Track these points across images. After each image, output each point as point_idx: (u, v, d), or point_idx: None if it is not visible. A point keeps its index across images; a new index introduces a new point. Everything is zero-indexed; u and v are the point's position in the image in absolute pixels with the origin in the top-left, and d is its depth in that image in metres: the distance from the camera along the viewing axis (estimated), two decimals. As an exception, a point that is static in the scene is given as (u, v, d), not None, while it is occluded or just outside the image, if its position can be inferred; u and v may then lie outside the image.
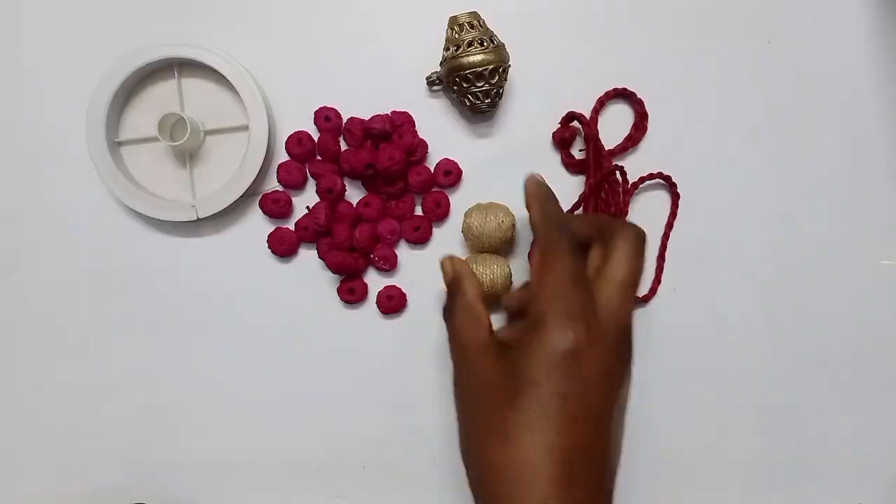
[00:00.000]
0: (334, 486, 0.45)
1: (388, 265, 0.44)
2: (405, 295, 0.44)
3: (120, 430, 0.45)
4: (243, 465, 0.45)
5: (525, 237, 0.44)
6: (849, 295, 0.44)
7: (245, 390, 0.45)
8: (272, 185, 0.44)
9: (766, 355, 0.44)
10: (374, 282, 0.45)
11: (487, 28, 0.41)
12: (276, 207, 0.43)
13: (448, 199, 0.44)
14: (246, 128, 0.43)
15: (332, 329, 0.45)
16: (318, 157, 0.44)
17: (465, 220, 0.42)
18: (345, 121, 0.43)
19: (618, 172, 0.43)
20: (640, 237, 0.34)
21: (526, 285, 0.40)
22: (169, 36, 0.43)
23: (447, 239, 0.45)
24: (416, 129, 0.44)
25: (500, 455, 0.30)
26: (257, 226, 0.45)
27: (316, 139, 0.44)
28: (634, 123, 0.44)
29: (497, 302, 0.42)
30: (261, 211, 0.44)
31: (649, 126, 0.44)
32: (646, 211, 0.44)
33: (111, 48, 0.43)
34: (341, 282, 0.44)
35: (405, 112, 0.43)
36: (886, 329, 0.44)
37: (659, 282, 0.44)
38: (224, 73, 0.42)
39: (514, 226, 0.42)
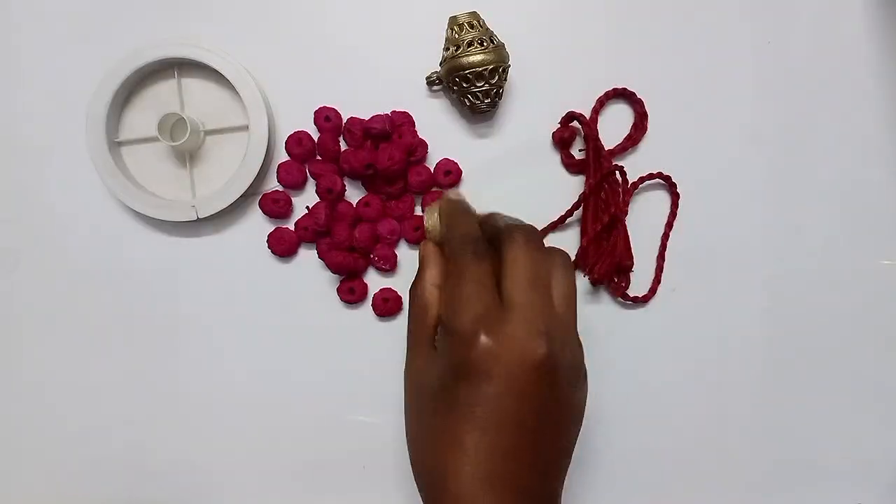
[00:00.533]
0: (334, 486, 0.45)
1: (388, 265, 0.44)
2: (401, 298, 0.44)
3: (119, 429, 0.45)
4: (243, 465, 0.45)
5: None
6: (849, 295, 0.44)
7: (244, 390, 0.45)
8: (272, 185, 0.44)
9: (766, 355, 0.44)
10: (373, 282, 0.45)
11: (487, 28, 0.41)
12: (275, 207, 0.43)
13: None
14: (246, 128, 0.43)
15: (332, 329, 0.45)
16: (318, 157, 0.44)
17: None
18: (345, 121, 0.43)
19: (617, 172, 0.43)
20: (528, 236, 0.33)
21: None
22: (169, 36, 0.43)
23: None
24: (416, 129, 0.44)
25: (430, 450, 0.31)
26: (257, 226, 0.44)
27: (316, 139, 0.44)
28: (634, 123, 0.44)
29: None
30: (261, 211, 0.44)
31: (649, 126, 0.44)
32: (646, 211, 0.44)
33: (111, 48, 0.43)
34: (341, 282, 0.44)
35: (405, 112, 0.43)
36: (886, 329, 0.44)
37: (659, 282, 0.44)
38: (224, 73, 0.42)
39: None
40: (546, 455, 0.31)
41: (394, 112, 0.43)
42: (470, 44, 0.40)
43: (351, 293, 0.44)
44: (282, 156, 0.44)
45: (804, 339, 0.44)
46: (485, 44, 0.40)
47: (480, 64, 0.40)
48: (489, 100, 0.41)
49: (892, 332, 0.44)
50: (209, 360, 0.45)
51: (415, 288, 0.35)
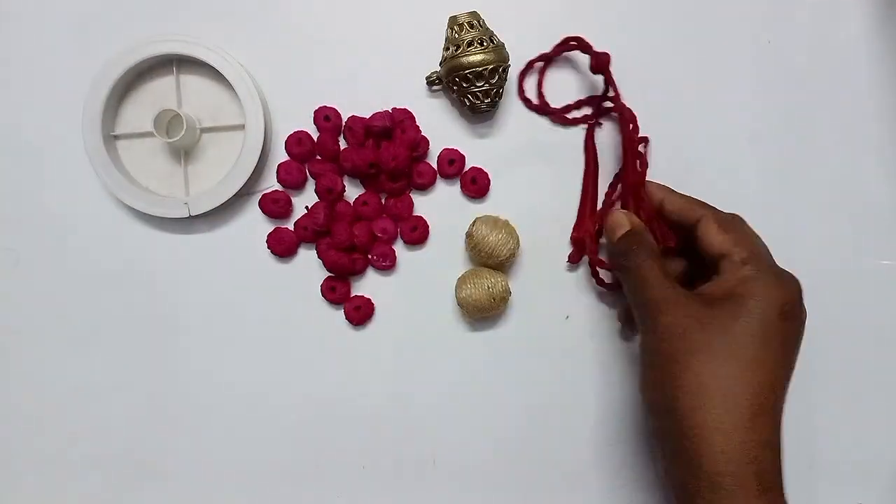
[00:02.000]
0: (334, 486, 0.44)
1: (388, 262, 0.43)
2: (372, 304, 0.44)
3: (113, 428, 0.45)
4: (242, 465, 0.45)
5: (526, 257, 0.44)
6: (849, 295, 0.44)
7: (243, 390, 0.44)
8: (267, 184, 0.44)
9: (766, 355, 0.44)
10: (365, 283, 0.44)
11: (487, 28, 0.41)
12: (275, 207, 0.43)
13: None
14: (242, 127, 0.42)
15: (331, 328, 0.44)
16: (318, 157, 0.44)
17: (472, 232, 0.41)
18: (345, 120, 0.43)
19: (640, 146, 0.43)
20: (739, 219, 0.38)
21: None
22: (168, 32, 0.43)
23: (446, 239, 0.44)
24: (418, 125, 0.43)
25: (729, 396, 0.32)
26: (252, 224, 0.44)
27: (315, 139, 0.43)
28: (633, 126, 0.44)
29: (488, 316, 0.43)
30: (258, 210, 0.44)
31: (649, 126, 0.44)
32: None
33: (111, 43, 0.43)
34: (325, 279, 0.44)
35: (405, 109, 0.43)
36: (886, 329, 0.44)
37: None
38: (222, 72, 0.42)
39: (517, 245, 0.42)
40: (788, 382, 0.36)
41: (395, 109, 0.43)
42: (470, 44, 0.40)
43: (332, 291, 0.43)
44: (278, 155, 0.44)
45: (804, 338, 0.44)
46: (485, 44, 0.40)
47: (480, 64, 0.40)
48: (489, 99, 0.41)
49: (892, 332, 0.44)
50: (206, 359, 0.44)
51: (644, 255, 0.37)
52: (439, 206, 0.44)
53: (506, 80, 0.42)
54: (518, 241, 0.42)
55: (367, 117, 0.42)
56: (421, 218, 0.44)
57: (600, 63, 0.43)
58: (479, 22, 0.41)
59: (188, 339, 0.44)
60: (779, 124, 0.44)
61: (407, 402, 0.44)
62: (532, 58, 0.43)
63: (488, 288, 0.41)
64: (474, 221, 0.41)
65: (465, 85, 0.40)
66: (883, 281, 0.44)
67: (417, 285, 0.44)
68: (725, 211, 0.38)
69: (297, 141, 0.43)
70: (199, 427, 0.45)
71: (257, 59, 0.44)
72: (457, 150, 0.43)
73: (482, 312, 0.41)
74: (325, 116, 0.43)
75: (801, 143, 0.44)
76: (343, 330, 0.44)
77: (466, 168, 0.44)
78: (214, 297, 0.44)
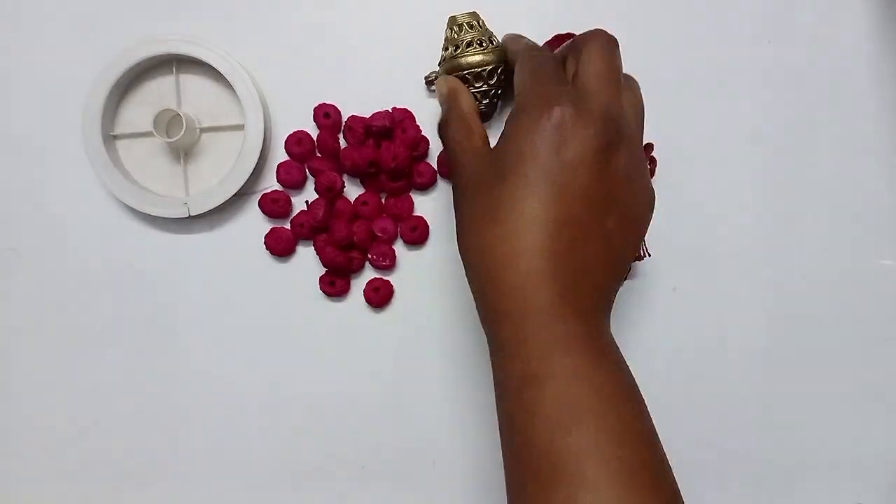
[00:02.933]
0: (334, 486, 0.44)
1: (388, 261, 0.43)
2: (391, 285, 0.44)
3: (113, 427, 0.45)
4: (241, 464, 0.45)
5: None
6: (849, 295, 0.44)
7: (243, 389, 0.44)
8: (266, 184, 0.44)
9: (766, 355, 0.44)
10: (363, 277, 0.44)
11: (487, 28, 0.41)
12: (275, 207, 0.43)
13: None
14: (242, 127, 0.42)
15: (330, 328, 0.44)
16: (318, 155, 0.44)
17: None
18: (345, 119, 0.43)
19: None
20: (609, 39, 0.34)
21: None
22: (167, 32, 0.43)
23: (446, 239, 0.44)
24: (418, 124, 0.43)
25: (490, 233, 0.31)
26: (252, 224, 0.44)
27: (315, 137, 0.43)
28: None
29: None
30: (258, 209, 0.44)
31: (648, 127, 0.44)
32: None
33: (111, 43, 0.42)
34: (323, 273, 0.44)
35: (405, 108, 0.43)
36: (886, 329, 0.44)
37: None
38: (222, 72, 0.41)
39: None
40: (607, 243, 0.32)
41: (395, 109, 0.43)
42: (469, 44, 0.40)
43: (331, 286, 0.43)
44: (279, 155, 0.44)
45: (804, 338, 0.44)
46: (484, 44, 0.40)
47: (479, 65, 0.39)
48: (488, 100, 0.41)
49: (892, 332, 0.44)
50: (204, 357, 0.44)
51: (456, 113, 0.36)
52: (439, 206, 0.44)
53: (505, 82, 0.42)
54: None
55: (368, 117, 0.42)
56: (421, 218, 0.44)
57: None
58: (478, 23, 0.41)
59: (187, 339, 0.44)
60: (779, 124, 0.44)
61: (406, 403, 0.44)
62: None
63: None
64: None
65: (464, 84, 0.40)
66: (883, 281, 0.44)
67: (417, 285, 0.44)
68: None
69: (296, 141, 0.43)
70: (198, 426, 0.45)
71: (257, 58, 0.43)
72: None
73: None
74: (324, 113, 0.43)
75: (801, 143, 0.44)
76: (342, 329, 0.44)
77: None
78: (214, 296, 0.44)
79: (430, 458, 0.44)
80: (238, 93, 0.42)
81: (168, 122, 0.42)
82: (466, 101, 0.37)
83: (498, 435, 0.44)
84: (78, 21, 0.44)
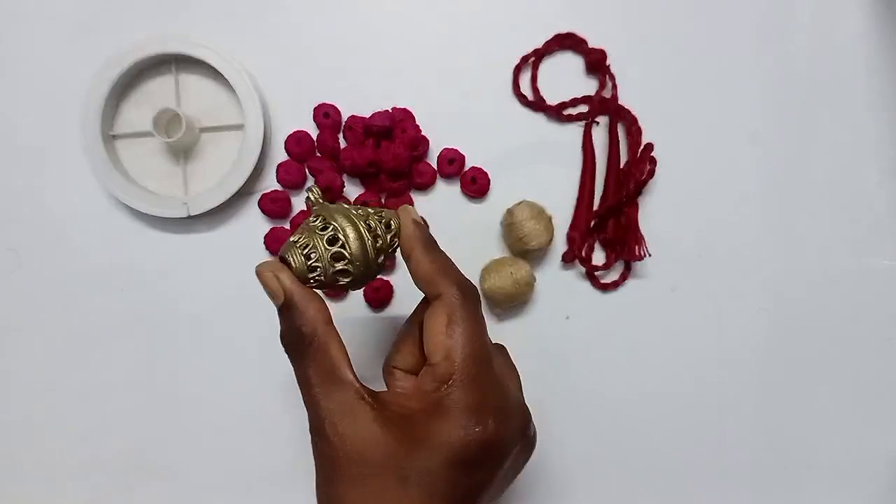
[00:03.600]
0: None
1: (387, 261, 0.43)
2: (391, 284, 0.44)
3: (113, 427, 0.44)
4: (241, 464, 0.45)
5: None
6: (849, 295, 0.44)
7: (242, 389, 0.44)
8: (266, 184, 0.44)
9: (765, 355, 0.44)
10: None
11: (326, 207, 0.33)
12: (274, 207, 0.43)
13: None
14: (241, 127, 0.42)
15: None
16: (318, 154, 0.44)
17: (513, 210, 0.42)
18: (345, 119, 0.43)
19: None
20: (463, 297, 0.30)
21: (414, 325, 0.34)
22: (168, 31, 0.43)
23: (446, 239, 0.44)
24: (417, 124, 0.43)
25: None
26: (252, 224, 0.44)
27: (315, 136, 0.43)
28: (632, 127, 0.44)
29: (514, 301, 0.42)
30: (257, 209, 0.44)
31: (648, 128, 0.44)
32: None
33: (110, 42, 0.43)
34: None
35: (405, 108, 0.43)
36: (886, 329, 0.44)
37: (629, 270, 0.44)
38: (222, 71, 0.41)
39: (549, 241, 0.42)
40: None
41: (395, 108, 0.43)
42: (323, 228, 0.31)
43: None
44: (278, 155, 0.44)
45: (804, 338, 0.44)
46: (324, 220, 0.31)
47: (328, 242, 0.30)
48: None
49: (891, 332, 0.44)
50: (203, 357, 0.44)
51: (308, 342, 0.29)
52: (439, 206, 0.44)
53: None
54: (552, 237, 0.42)
55: (367, 117, 0.42)
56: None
57: (594, 61, 0.43)
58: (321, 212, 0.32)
59: (187, 339, 0.44)
60: (779, 124, 0.44)
61: (407, 402, 0.44)
62: (526, 53, 0.43)
63: (511, 274, 0.41)
64: (520, 202, 0.42)
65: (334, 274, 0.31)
66: (883, 281, 0.44)
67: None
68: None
69: (296, 140, 0.43)
70: (198, 426, 0.45)
71: (258, 58, 0.44)
72: (456, 150, 0.43)
73: (510, 300, 0.42)
74: (324, 113, 0.43)
75: (801, 143, 0.44)
76: (342, 330, 0.44)
77: (466, 168, 0.44)
78: (214, 296, 0.44)
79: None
80: (238, 93, 0.42)
81: (167, 122, 0.42)
82: (319, 315, 0.29)
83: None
84: (77, 21, 0.44)
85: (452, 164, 0.43)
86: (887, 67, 0.44)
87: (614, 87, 0.44)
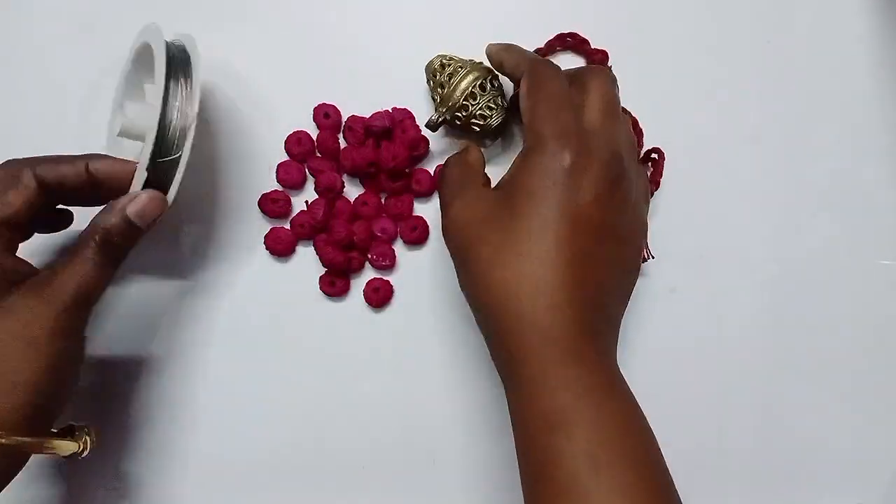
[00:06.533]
0: (334, 486, 0.44)
1: (387, 261, 0.43)
2: (391, 285, 0.44)
3: (113, 427, 0.45)
4: (240, 464, 0.45)
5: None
6: (849, 295, 0.44)
7: (241, 389, 0.44)
8: (272, 185, 0.44)
9: (765, 355, 0.44)
10: (363, 277, 0.44)
11: (459, 58, 0.41)
12: (275, 207, 0.43)
13: None
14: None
15: (330, 328, 0.44)
16: (318, 155, 0.44)
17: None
18: (345, 119, 0.43)
19: (654, 154, 0.42)
20: (611, 76, 0.35)
21: None
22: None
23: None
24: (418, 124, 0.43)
25: (503, 272, 0.31)
26: (252, 224, 0.44)
27: (315, 136, 0.43)
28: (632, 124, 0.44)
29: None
30: (257, 209, 0.44)
31: (648, 128, 0.44)
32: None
33: (115, 43, 0.42)
34: (323, 273, 0.44)
35: (405, 108, 0.43)
36: (886, 329, 0.44)
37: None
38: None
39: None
40: (616, 272, 0.33)
41: (395, 109, 0.43)
42: (451, 76, 0.40)
43: (332, 285, 0.43)
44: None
45: (804, 338, 0.44)
46: (463, 68, 0.40)
47: (470, 84, 0.40)
48: (496, 108, 0.40)
49: (891, 332, 0.44)
50: (203, 357, 0.44)
51: (459, 157, 0.37)
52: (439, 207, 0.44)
53: (501, 89, 0.41)
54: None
55: (367, 117, 0.43)
56: (421, 218, 0.44)
57: (596, 62, 0.43)
58: (450, 57, 0.41)
59: (186, 339, 0.44)
60: (779, 124, 0.44)
61: (405, 403, 0.44)
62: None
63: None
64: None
65: (467, 111, 0.40)
66: (883, 281, 0.44)
67: (417, 285, 0.44)
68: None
69: (296, 141, 0.43)
70: (196, 426, 0.45)
71: (258, 58, 0.44)
72: None
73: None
74: (324, 114, 0.43)
75: (801, 143, 0.44)
76: (342, 329, 0.44)
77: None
78: (213, 296, 0.44)
79: (430, 457, 0.44)
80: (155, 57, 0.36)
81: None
82: (474, 152, 0.37)
83: (498, 435, 0.44)
84: (78, 21, 0.44)
85: None
86: (888, 67, 0.44)
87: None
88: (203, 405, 0.45)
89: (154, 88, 0.35)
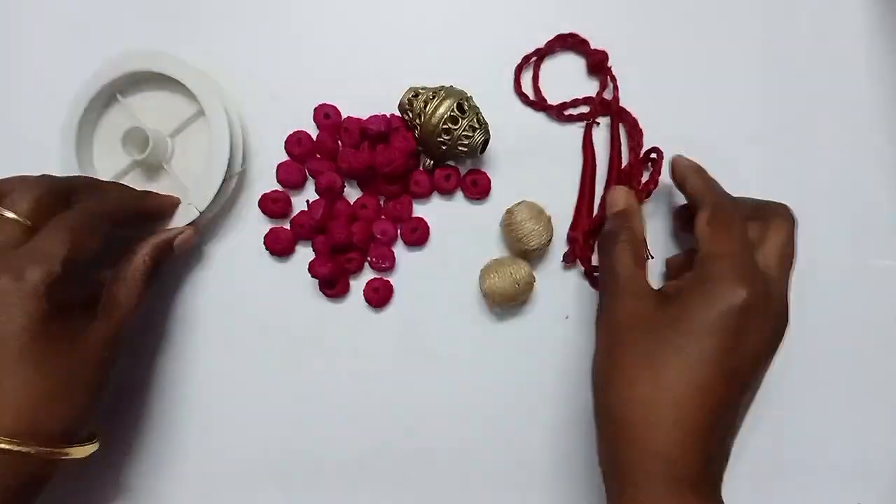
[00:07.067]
0: (333, 486, 0.44)
1: (387, 263, 0.43)
2: (390, 285, 0.44)
3: (112, 427, 0.45)
4: (240, 465, 0.45)
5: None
6: (849, 295, 0.44)
7: (241, 389, 0.44)
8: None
9: (765, 355, 0.44)
10: (360, 279, 0.44)
11: (430, 87, 0.41)
12: (275, 207, 0.43)
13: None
14: (201, 112, 0.42)
15: (330, 328, 0.44)
16: (318, 155, 0.44)
17: (513, 210, 0.42)
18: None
19: (654, 153, 0.42)
20: (793, 220, 0.35)
21: (687, 251, 0.41)
22: (163, 37, 0.43)
23: (447, 240, 0.44)
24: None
25: (649, 389, 0.31)
26: (252, 224, 0.44)
27: (315, 137, 0.43)
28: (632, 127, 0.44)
29: (514, 302, 0.42)
30: (258, 209, 0.44)
31: (648, 128, 0.44)
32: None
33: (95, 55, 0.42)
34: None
35: (400, 117, 0.43)
36: (886, 329, 0.44)
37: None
38: (158, 70, 0.41)
39: (549, 241, 0.42)
40: (744, 413, 0.33)
41: (392, 116, 0.43)
42: (426, 106, 0.40)
43: (331, 287, 0.43)
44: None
45: (804, 338, 0.44)
46: (436, 96, 0.40)
47: (448, 110, 0.40)
48: (479, 127, 0.41)
49: (891, 332, 0.44)
50: (202, 357, 0.45)
51: (628, 235, 0.35)
52: (440, 206, 0.44)
53: (477, 107, 0.42)
54: (552, 237, 0.42)
55: (365, 119, 0.42)
56: (421, 219, 0.44)
57: (596, 62, 0.43)
58: (421, 89, 0.41)
59: (187, 339, 0.45)
60: (779, 124, 0.44)
61: (405, 404, 0.44)
62: (528, 52, 0.43)
63: (511, 274, 0.41)
64: (520, 202, 0.42)
65: (449, 136, 0.40)
66: (883, 281, 0.44)
67: (417, 285, 0.44)
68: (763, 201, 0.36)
69: (296, 141, 0.43)
70: (196, 425, 0.45)
71: (259, 58, 0.44)
72: (453, 167, 0.43)
73: (510, 300, 0.42)
74: (324, 114, 0.43)
75: (801, 143, 0.44)
76: (342, 329, 0.44)
77: (465, 171, 0.44)
78: (213, 296, 0.44)
79: (430, 458, 0.44)
80: (180, 79, 0.41)
81: (137, 140, 0.41)
82: (640, 225, 0.37)
83: (498, 435, 0.44)
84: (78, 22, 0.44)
85: (449, 179, 0.43)
86: (888, 67, 0.44)
87: (615, 88, 0.44)
88: (203, 405, 0.45)
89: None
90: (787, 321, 0.33)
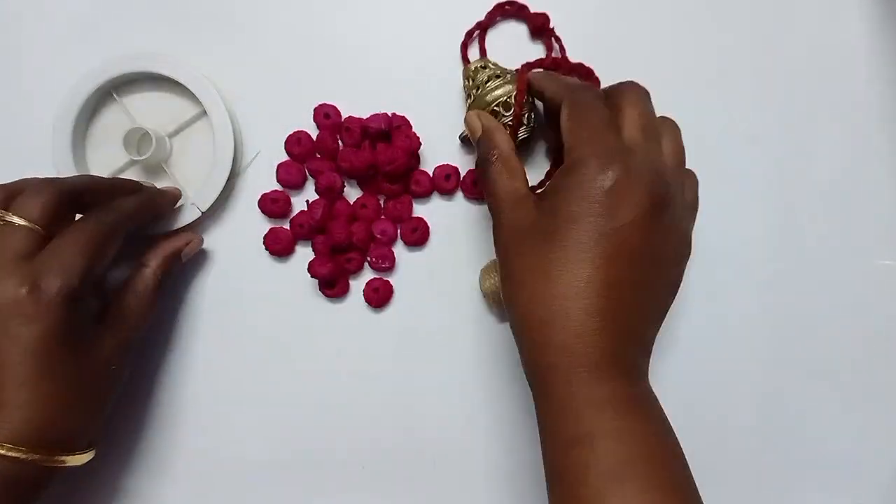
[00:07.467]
0: (334, 486, 0.44)
1: (387, 264, 0.43)
2: (390, 285, 0.44)
3: (112, 427, 0.45)
4: (240, 465, 0.45)
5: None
6: (849, 295, 0.44)
7: (241, 389, 0.45)
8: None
9: (765, 355, 0.44)
10: (359, 278, 0.45)
11: (498, 65, 0.41)
12: (274, 207, 0.43)
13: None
14: (203, 112, 0.42)
15: (330, 328, 0.44)
16: (318, 155, 0.44)
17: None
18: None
19: None
20: (643, 91, 0.35)
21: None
22: (163, 37, 0.43)
23: (447, 240, 0.44)
24: (414, 130, 0.43)
25: (540, 289, 0.31)
26: (252, 224, 0.44)
27: (315, 136, 0.43)
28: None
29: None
30: (257, 209, 0.44)
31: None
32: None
33: (86, 58, 0.42)
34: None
35: (403, 116, 0.43)
36: (886, 329, 0.44)
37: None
38: (160, 73, 0.41)
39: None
40: (652, 295, 0.33)
41: (394, 115, 0.43)
42: (487, 81, 0.40)
43: (330, 287, 0.43)
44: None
45: (804, 338, 0.44)
46: (501, 77, 0.40)
47: (504, 94, 0.39)
48: (526, 124, 0.40)
49: (891, 332, 0.44)
50: (202, 357, 0.45)
51: (495, 154, 0.35)
52: (440, 206, 0.44)
53: (534, 107, 0.41)
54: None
55: (366, 118, 0.42)
56: (421, 219, 0.44)
57: (538, 25, 0.42)
58: (490, 63, 0.41)
59: (187, 339, 0.45)
60: (779, 124, 0.44)
61: (405, 403, 0.44)
62: (469, 28, 0.43)
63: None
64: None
65: (496, 118, 0.39)
66: (883, 281, 0.44)
67: (417, 285, 0.44)
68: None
69: (296, 141, 0.43)
70: (197, 425, 0.45)
71: (259, 58, 0.44)
72: (453, 167, 0.43)
73: None
74: (325, 114, 0.43)
75: (801, 143, 0.44)
76: (342, 329, 0.44)
77: (465, 172, 0.44)
78: (213, 296, 0.44)
79: (430, 458, 0.44)
80: (186, 83, 0.41)
81: (138, 141, 0.42)
82: (504, 140, 0.36)
83: (498, 434, 0.44)
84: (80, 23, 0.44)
85: (449, 179, 0.43)
86: (888, 67, 0.44)
87: (562, 49, 0.43)
88: (202, 405, 0.45)
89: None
90: (665, 185, 0.32)
